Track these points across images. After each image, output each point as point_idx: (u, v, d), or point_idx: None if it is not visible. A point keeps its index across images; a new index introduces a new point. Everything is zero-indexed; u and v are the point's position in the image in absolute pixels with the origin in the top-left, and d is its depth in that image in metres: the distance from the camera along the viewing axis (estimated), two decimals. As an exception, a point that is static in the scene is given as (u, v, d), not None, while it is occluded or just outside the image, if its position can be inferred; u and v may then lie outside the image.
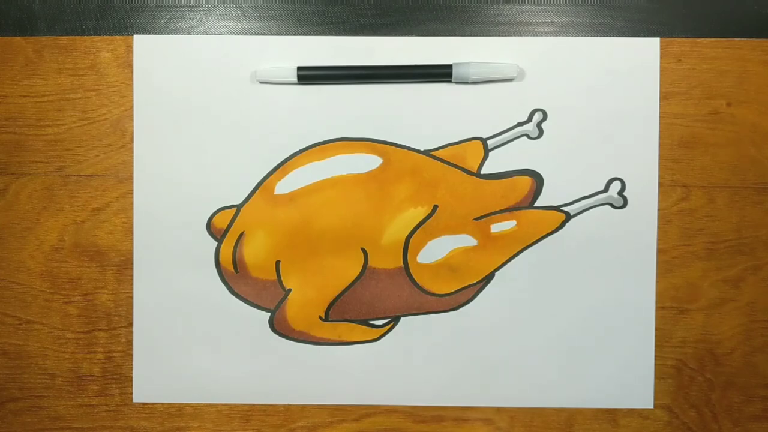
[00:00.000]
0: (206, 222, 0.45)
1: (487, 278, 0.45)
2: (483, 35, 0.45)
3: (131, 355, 0.46)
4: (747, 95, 0.44)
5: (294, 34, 0.45)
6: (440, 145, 0.45)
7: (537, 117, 0.45)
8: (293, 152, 0.45)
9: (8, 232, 0.46)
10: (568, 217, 0.45)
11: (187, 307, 0.46)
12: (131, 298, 0.46)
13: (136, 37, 0.45)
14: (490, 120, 0.45)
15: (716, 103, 0.44)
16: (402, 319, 0.46)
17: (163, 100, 0.45)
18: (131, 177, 0.45)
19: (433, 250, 0.45)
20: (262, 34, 0.45)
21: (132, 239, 0.46)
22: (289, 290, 0.46)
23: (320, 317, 0.46)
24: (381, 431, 0.46)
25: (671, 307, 0.45)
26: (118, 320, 0.46)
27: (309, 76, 0.44)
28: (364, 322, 0.46)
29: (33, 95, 0.45)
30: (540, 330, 0.45)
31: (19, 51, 0.45)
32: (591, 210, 0.45)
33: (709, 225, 0.45)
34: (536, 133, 0.45)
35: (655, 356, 0.45)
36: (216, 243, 0.45)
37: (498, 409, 0.46)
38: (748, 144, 0.45)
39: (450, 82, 0.44)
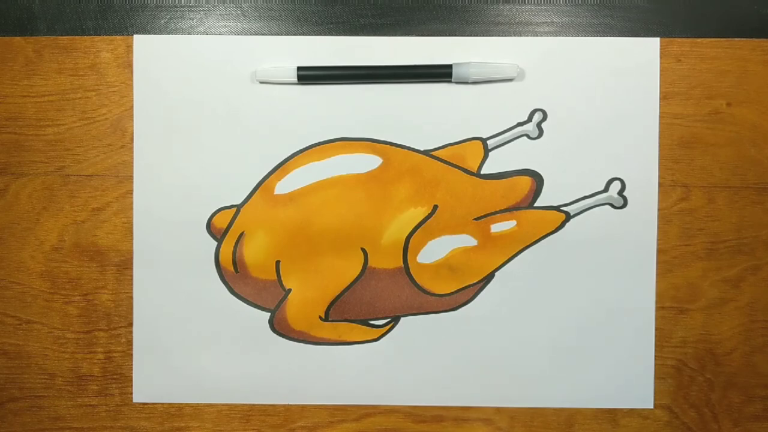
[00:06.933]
0: (206, 222, 0.45)
1: (487, 278, 0.45)
2: (483, 35, 0.45)
3: (131, 355, 0.46)
4: (747, 95, 0.44)
5: (294, 34, 0.45)
6: (440, 145, 0.45)
7: (537, 117, 0.45)
8: (293, 152, 0.45)
9: (8, 232, 0.46)
10: (568, 217, 0.45)
11: (187, 306, 0.46)
12: (131, 298, 0.46)
13: (136, 37, 0.45)
14: (490, 120, 0.45)
15: (716, 103, 0.44)
16: (402, 319, 0.46)
17: (163, 100, 0.45)
18: (131, 177, 0.45)
19: (433, 250, 0.45)
20: (262, 34, 0.45)
21: (132, 239, 0.46)
22: (289, 290, 0.46)
23: (320, 317, 0.46)
24: (381, 431, 0.46)
25: (671, 307, 0.45)
26: (118, 320, 0.46)
27: (309, 76, 0.44)
28: (364, 322, 0.46)
29: (33, 95, 0.45)
30: (540, 330, 0.45)
31: (19, 51, 0.45)
32: (591, 210, 0.45)
33: (709, 225, 0.45)
34: (536, 133, 0.45)
35: (655, 356, 0.45)
36: (216, 243, 0.45)
37: (498, 409, 0.46)
38: (748, 144, 0.45)
39: (450, 82, 0.44)
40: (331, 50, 0.45)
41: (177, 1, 0.45)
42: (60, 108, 0.45)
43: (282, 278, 0.45)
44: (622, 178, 0.45)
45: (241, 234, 0.45)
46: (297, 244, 0.45)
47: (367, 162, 0.45)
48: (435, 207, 0.45)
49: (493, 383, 0.46)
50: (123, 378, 0.46)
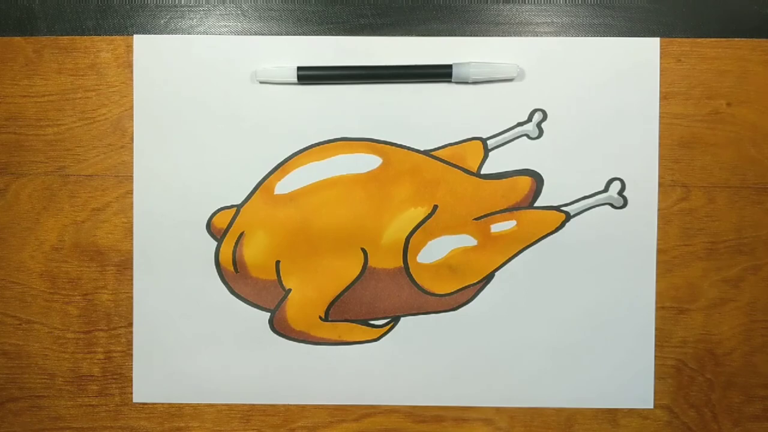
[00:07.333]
0: (206, 222, 0.45)
1: (487, 278, 0.45)
2: (483, 35, 0.45)
3: (131, 355, 0.46)
4: (747, 95, 0.44)
5: (294, 34, 0.45)
6: (440, 145, 0.45)
7: (537, 117, 0.45)
8: (293, 152, 0.45)
9: (8, 232, 0.46)
10: (568, 217, 0.45)
11: (187, 307, 0.46)
12: (131, 298, 0.46)
13: (136, 37, 0.45)
14: (490, 120, 0.45)
15: (716, 103, 0.44)
16: (402, 319, 0.46)
17: (163, 100, 0.45)
18: (131, 177, 0.45)
19: (433, 250, 0.45)
20: (262, 34, 0.45)
21: (132, 239, 0.46)
22: (289, 290, 0.46)
23: (320, 317, 0.46)
24: (381, 431, 0.46)
25: (671, 307, 0.45)
26: (118, 320, 0.46)
27: (309, 76, 0.44)
28: (364, 322, 0.46)
29: (33, 95, 0.45)
30: (540, 330, 0.45)
31: (19, 51, 0.45)
32: (591, 210, 0.45)
33: (709, 225, 0.45)
34: (536, 133, 0.45)
35: (655, 356, 0.45)
36: (216, 243, 0.45)
37: (498, 409, 0.46)
38: (748, 144, 0.45)
39: (450, 82, 0.44)
40: (331, 50, 0.45)
41: (177, 1, 0.45)
42: (60, 108, 0.45)
43: (282, 278, 0.45)
44: (622, 178, 0.45)
45: (241, 234, 0.45)
46: (297, 244, 0.45)
47: (367, 162, 0.45)
48: (435, 207, 0.45)
49: (493, 383, 0.46)
50: (123, 378, 0.46)
